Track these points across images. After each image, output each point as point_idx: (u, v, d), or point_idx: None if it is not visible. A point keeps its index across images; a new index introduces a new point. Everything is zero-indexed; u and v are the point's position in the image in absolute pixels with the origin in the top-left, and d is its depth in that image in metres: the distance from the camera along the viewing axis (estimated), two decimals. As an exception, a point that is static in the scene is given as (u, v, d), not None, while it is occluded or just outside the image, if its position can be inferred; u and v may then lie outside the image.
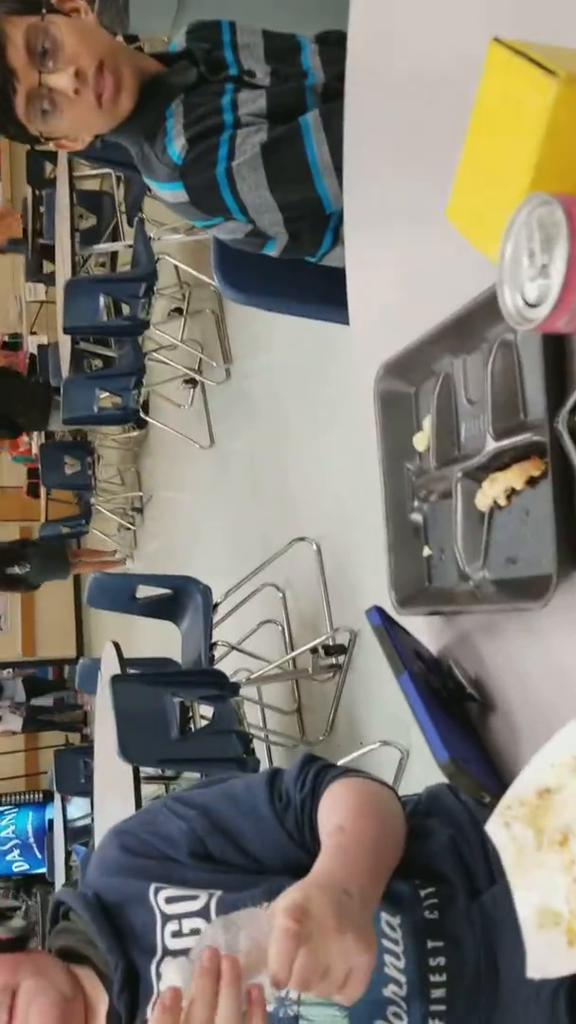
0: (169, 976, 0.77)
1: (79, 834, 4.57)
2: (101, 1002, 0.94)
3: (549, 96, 0.53)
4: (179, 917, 0.93)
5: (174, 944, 0.92)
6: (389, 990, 0.89)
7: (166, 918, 0.93)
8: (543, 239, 0.49)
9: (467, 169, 0.62)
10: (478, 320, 0.86)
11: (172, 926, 0.92)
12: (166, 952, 0.92)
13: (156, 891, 0.94)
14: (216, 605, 3.07)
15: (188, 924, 0.92)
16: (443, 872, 0.97)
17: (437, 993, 0.90)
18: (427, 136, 1.01)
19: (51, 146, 1.48)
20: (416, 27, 1.05)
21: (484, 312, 0.84)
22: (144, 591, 3.19)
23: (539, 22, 0.78)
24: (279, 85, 1.41)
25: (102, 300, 4.64)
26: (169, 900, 0.93)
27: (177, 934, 0.92)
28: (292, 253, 1.49)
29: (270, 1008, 0.89)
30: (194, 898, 0.93)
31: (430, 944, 0.91)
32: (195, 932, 0.91)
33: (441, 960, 0.91)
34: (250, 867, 0.94)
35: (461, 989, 0.90)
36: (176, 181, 1.40)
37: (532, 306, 0.51)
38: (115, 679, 2.67)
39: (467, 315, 0.86)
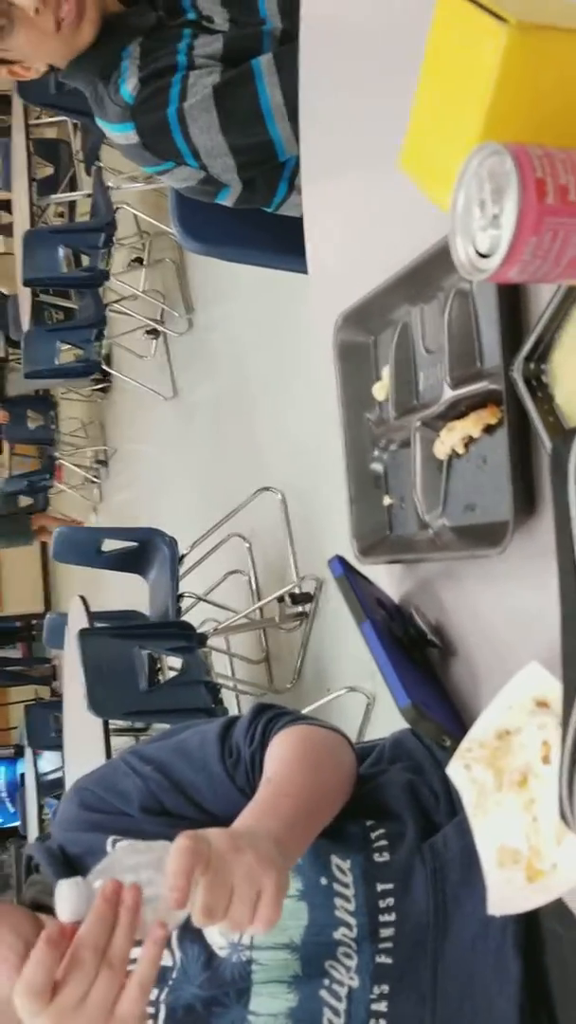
0: (63, 895, 0.76)
1: (51, 787, 4.60)
2: None
3: (499, 43, 0.52)
4: (136, 868, 0.94)
5: None
6: (340, 932, 0.91)
7: (125, 868, 0.95)
8: (494, 189, 0.48)
9: (419, 118, 0.62)
10: (434, 269, 0.86)
11: (131, 877, 0.94)
12: None
13: (113, 843, 0.96)
14: (182, 557, 3.08)
15: (146, 874, 0.94)
16: (396, 811, 0.99)
17: (386, 932, 0.92)
18: (384, 82, 0.99)
19: (2, 73, 1.43)
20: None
21: (440, 261, 0.84)
22: (110, 544, 3.18)
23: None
24: (237, 31, 1.39)
25: (61, 251, 4.56)
26: (128, 852, 0.94)
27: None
28: (246, 203, 1.47)
29: (223, 954, 0.91)
30: (151, 850, 0.94)
31: (380, 887, 0.93)
32: (151, 882, 0.93)
33: (391, 901, 0.93)
34: (205, 821, 0.95)
35: (409, 929, 0.92)
36: (128, 122, 1.38)
37: (484, 256, 0.51)
38: (83, 633, 2.68)
39: (423, 264, 0.86)
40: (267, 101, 1.31)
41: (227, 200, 1.47)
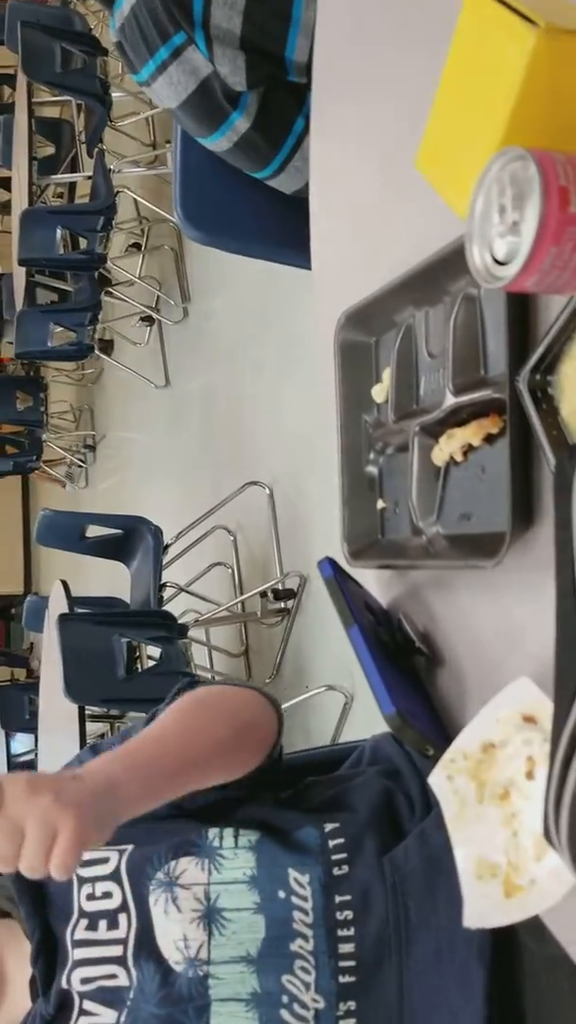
0: None
1: (22, 770, 4.58)
2: (22, 953, 0.95)
3: (527, 47, 0.51)
4: (92, 880, 0.94)
5: (89, 906, 0.94)
6: (296, 944, 0.91)
7: (81, 881, 0.94)
8: (515, 195, 0.47)
9: (439, 119, 0.60)
10: (442, 273, 0.84)
11: (87, 889, 0.94)
12: (82, 915, 0.93)
13: None
14: (166, 547, 3.06)
15: (101, 887, 0.94)
16: (362, 817, 0.98)
17: (346, 948, 0.91)
18: (402, 77, 0.98)
19: None
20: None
21: (449, 265, 0.82)
22: (94, 531, 3.16)
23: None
24: None
25: (59, 232, 4.52)
26: (83, 863, 0.94)
27: (91, 896, 0.94)
28: (260, 131, 1.39)
29: (179, 968, 0.90)
30: (105, 861, 0.94)
31: (338, 899, 0.92)
32: (107, 895, 0.93)
33: (349, 914, 0.92)
34: (159, 813, 0.93)
35: (369, 942, 0.91)
36: None
37: (501, 263, 0.50)
38: (62, 618, 2.66)
39: (431, 267, 0.85)
40: (300, 10, 1.27)
41: (228, 136, 1.38)
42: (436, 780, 0.80)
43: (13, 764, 4.75)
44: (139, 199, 4.61)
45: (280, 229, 1.50)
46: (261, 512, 3.27)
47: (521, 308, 0.75)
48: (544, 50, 0.51)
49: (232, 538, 3.52)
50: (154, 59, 1.36)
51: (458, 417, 0.85)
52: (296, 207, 1.23)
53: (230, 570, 3.53)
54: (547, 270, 0.48)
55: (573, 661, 0.64)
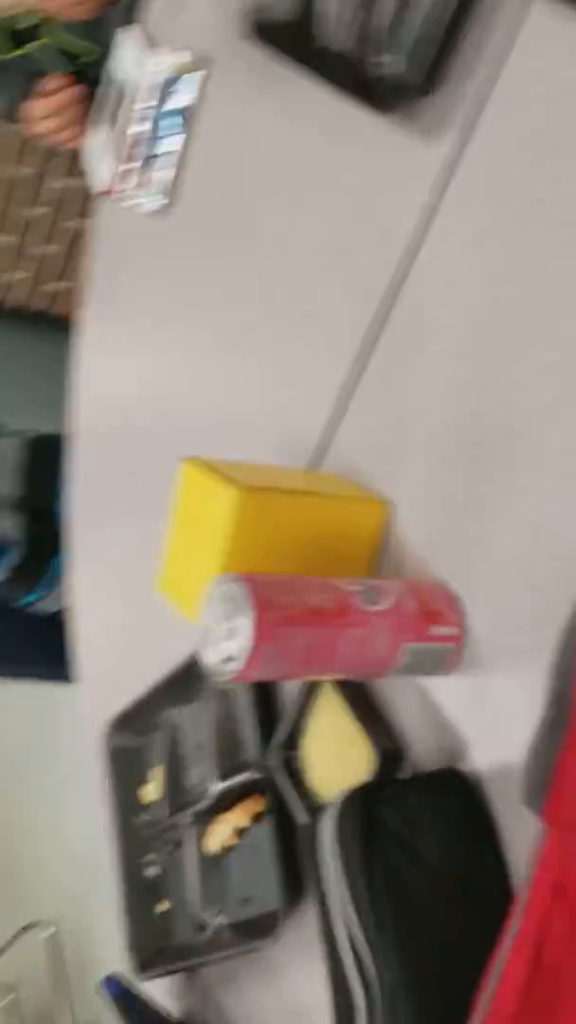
0: None
1: None
2: None
3: (229, 501, 0.68)
4: None
5: None
6: None
7: None
8: (232, 608, 0.60)
9: (172, 555, 0.76)
10: (193, 673, 0.95)
11: None
12: None
13: None
14: None
15: None
16: None
17: None
18: (141, 512, 1.15)
19: None
20: (132, 437, 1.23)
21: (197, 667, 0.93)
22: None
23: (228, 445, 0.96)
24: None
25: None
26: None
27: None
28: (24, 568, 1.55)
29: None
30: None
31: None
32: None
33: None
34: None
35: None
36: None
37: (230, 661, 0.61)
38: None
39: (184, 670, 0.96)
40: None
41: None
42: None
43: None
44: None
45: (41, 647, 1.58)
46: (44, 957, 2.98)
47: (264, 695, 0.86)
48: (243, 501, 0.68)
49: (4, 1000, 3.14)
50: None
51: (227, 802, 0.91)
52: (57, 626, 1.33)
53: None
54: (267, 661, 0.60)
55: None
